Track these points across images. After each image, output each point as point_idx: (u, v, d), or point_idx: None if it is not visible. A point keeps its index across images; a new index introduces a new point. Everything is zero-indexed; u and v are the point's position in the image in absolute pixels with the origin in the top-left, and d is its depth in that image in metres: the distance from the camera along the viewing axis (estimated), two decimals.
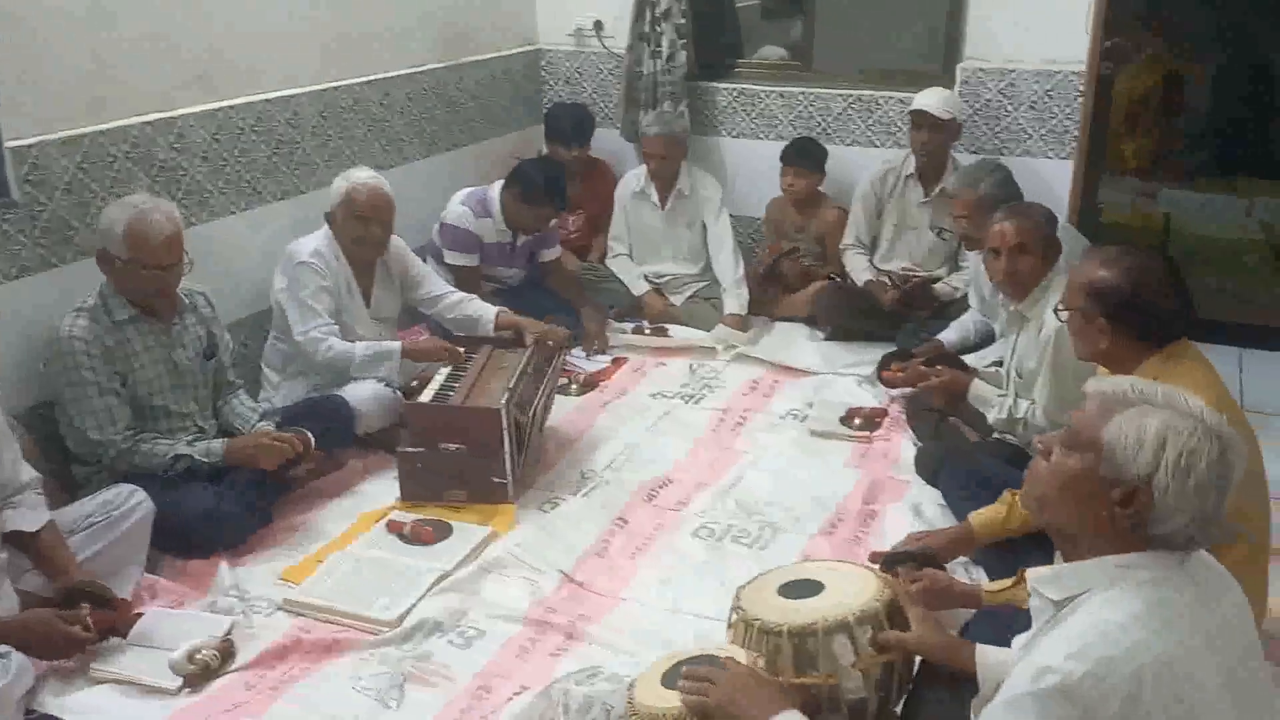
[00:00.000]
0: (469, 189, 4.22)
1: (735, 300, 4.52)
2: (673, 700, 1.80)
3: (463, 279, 4.07)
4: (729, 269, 4.56)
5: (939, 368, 3.27)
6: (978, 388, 3.13)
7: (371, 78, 4.20)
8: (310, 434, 3.05)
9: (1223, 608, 1.41)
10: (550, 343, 3.57)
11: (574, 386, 4.01)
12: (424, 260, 4.03)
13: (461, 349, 3.48)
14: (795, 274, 4.65)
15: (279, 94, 3.75)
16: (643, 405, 3.88)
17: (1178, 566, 1.38)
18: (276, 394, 3.46)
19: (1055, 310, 2.47)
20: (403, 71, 4.37)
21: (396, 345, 3.43)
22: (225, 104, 3.53)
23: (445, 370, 3.37)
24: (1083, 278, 2.30)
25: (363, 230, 3.40)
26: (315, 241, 3.41)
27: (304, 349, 3.34)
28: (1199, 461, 1.34)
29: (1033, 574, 1.51)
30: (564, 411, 3.79)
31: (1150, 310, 2.21)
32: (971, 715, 1.68)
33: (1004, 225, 2.99)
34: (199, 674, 2.38)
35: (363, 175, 3.44)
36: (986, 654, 1.82)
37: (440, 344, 3.50)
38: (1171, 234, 6.19)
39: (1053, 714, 1.30)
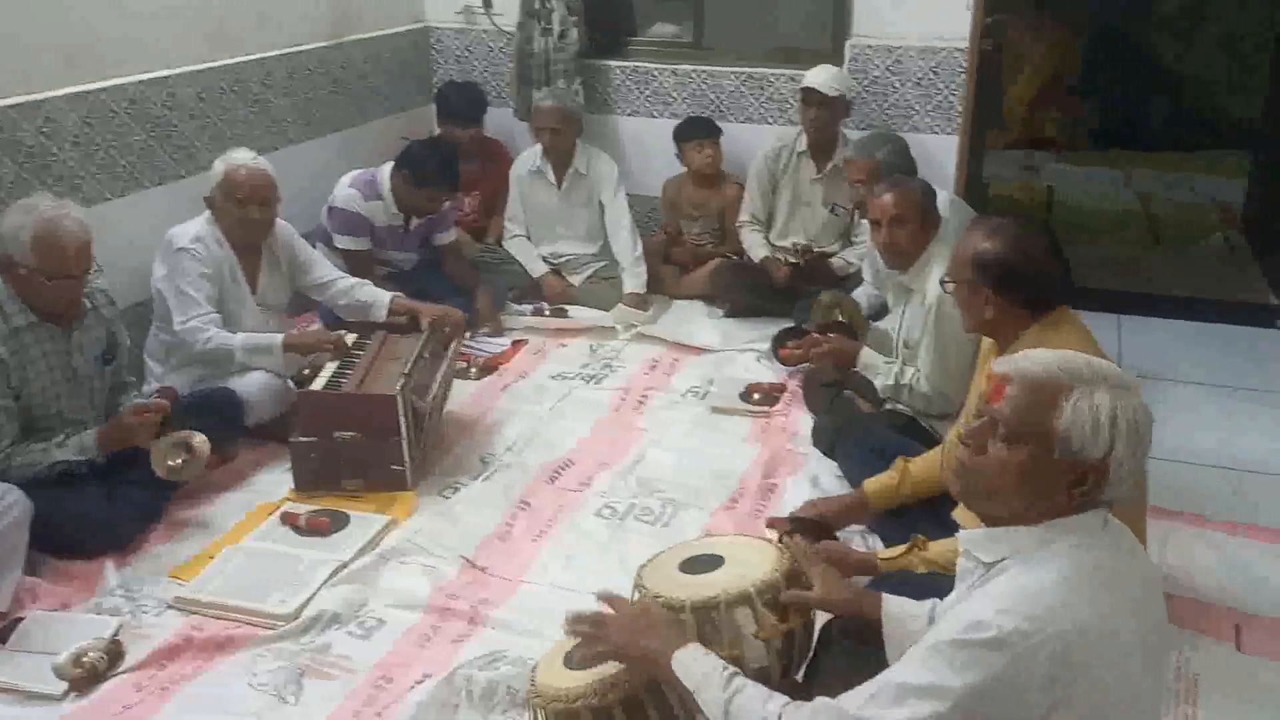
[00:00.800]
0: (357, 171, 4.14)
1: (634, 279, 4.53)
2: (575, 680, 1.80)
3: (354, 264, 3.99)
4: (627, 248, 4.57)
5: (831, 336, 3.33)
6: (867, 356, 3.19)
7: (252, 57, 4.08)
8: (201, 434, 2.95)
9: (1142, 571, 1.46)
10: (446, 327, 3.53)
11: (473, 370, 3.98)
12: (314, 245, 3.94)
13: (352, 335, 3.42)
14: (687, 258, 4.69)
15: (154, 75, 3.62)
16: (543, 387, 3.87)
17: (1101, 528, 1.42)
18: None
19: (941, 282, 2.53)
20: (285, 51, 4.26)
21: (278, 338, 3.32)
22: (96, 86, 3.40)
23: (339, 356, 3.30)
24: (968, 250, 2.36)
25: (243, 213, 3.30)
26: (195, 227, 3.30)
27: (183, 339, 3.24)
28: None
29: (965, 536, 1.54)
30: (463, 396, 3.75)
31: (1033, 279, 2.28)
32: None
33: (884, 197, 3.07)
34: (85, 677, 2.30)
35: (242, 156, 3.34)
36: (890, 602, 1.86)
37: (324, 335, 3.41)
38: (1054, 206, 6.41)
39: (979, 662, 1.32)
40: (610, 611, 1.79)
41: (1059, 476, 1.40)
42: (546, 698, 1.83)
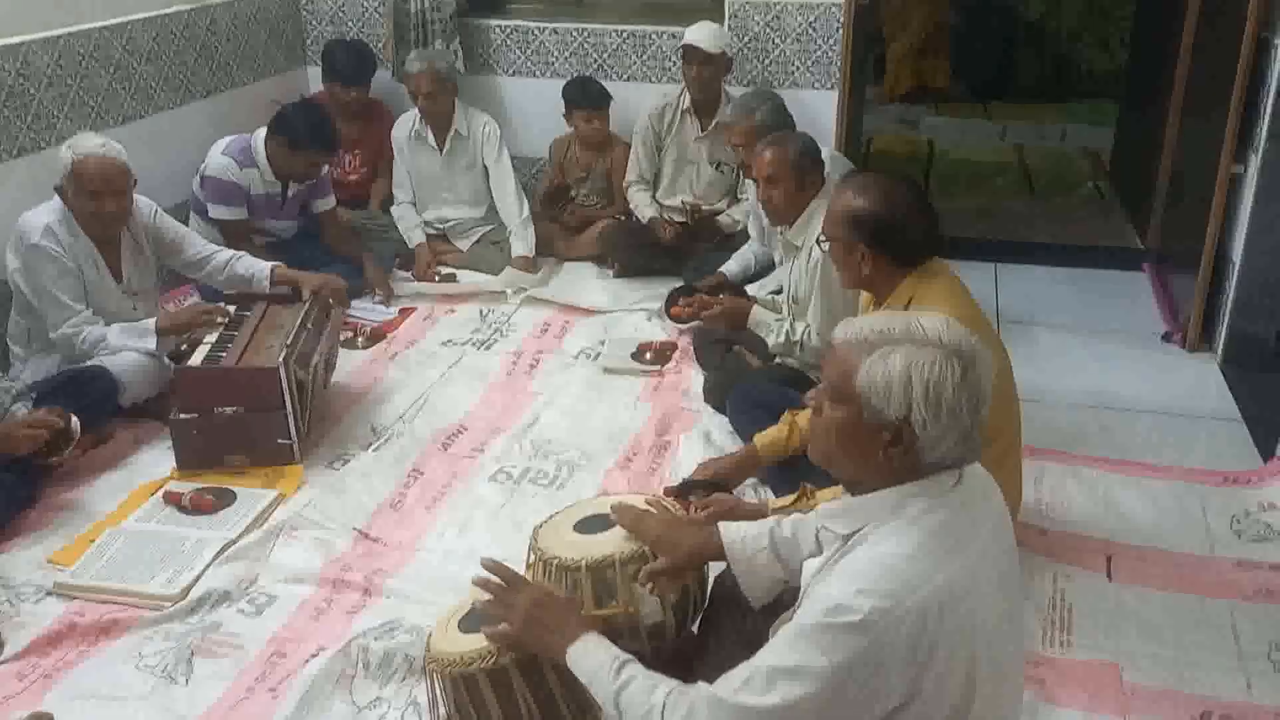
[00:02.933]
0: (230, 138, 4.00)
1: (522, 242, 4.50)
2: (469, 643, 1.81)
3: (230, 234, 3.88)
4: (513, 211, 4.52)
5: (721, 297, 3.36)
6: (757, 314, 3.24)
7: (112, 22, 3.89)
8: (71, 415, 2.85)
9: (991, 516, 1.51)
10: (329, 295, 3.46)
11: (360, 339, 3.92)
12: (187, 216, 3.82)
13: (231, 307, 3.33)
14: (576, 219, 4.69)
15: (4, 42, 3.43)
16: (433, 354, 3.84)
17: (952, 489, 1.46)
18: (25, 369, 3.22)
19: (818, 241, 2.58)
20: (147, 14, 4.07)
21: (151, 324, 3.20)
22: None
23: (216, 329, 3.21)
24: (840, 208, 2.40)
25: (96, 205, 3.13)
26: (47, 216, 3.13)
27: (60, 347, 3.14)
28: (946, 387, 1.39)
29: (822, 510, 1.59)
30: (351, 365, 3.71)
31: (904, 233, 2.33)
32: (770, 636, 1.74)
33: (761, 155, 3.11)
34: None
35: (89, 145, 3.13)
36: (729, 532, 1.90)
37: (197, 310, 3.30)
38: (935, 158, 6.57)
39: (843, 646, 1.36)
40: (515, 590, 1.79)
41: (872, 437, 1.44)
42: (442, 663, 1.83)
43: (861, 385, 1.43)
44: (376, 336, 3.96)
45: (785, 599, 1.93)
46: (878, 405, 1.42)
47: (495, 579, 1.81)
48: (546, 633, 1.71)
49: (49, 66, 3.59)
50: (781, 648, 1.43)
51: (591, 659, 1.63)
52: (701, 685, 1.51)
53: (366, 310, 4.18)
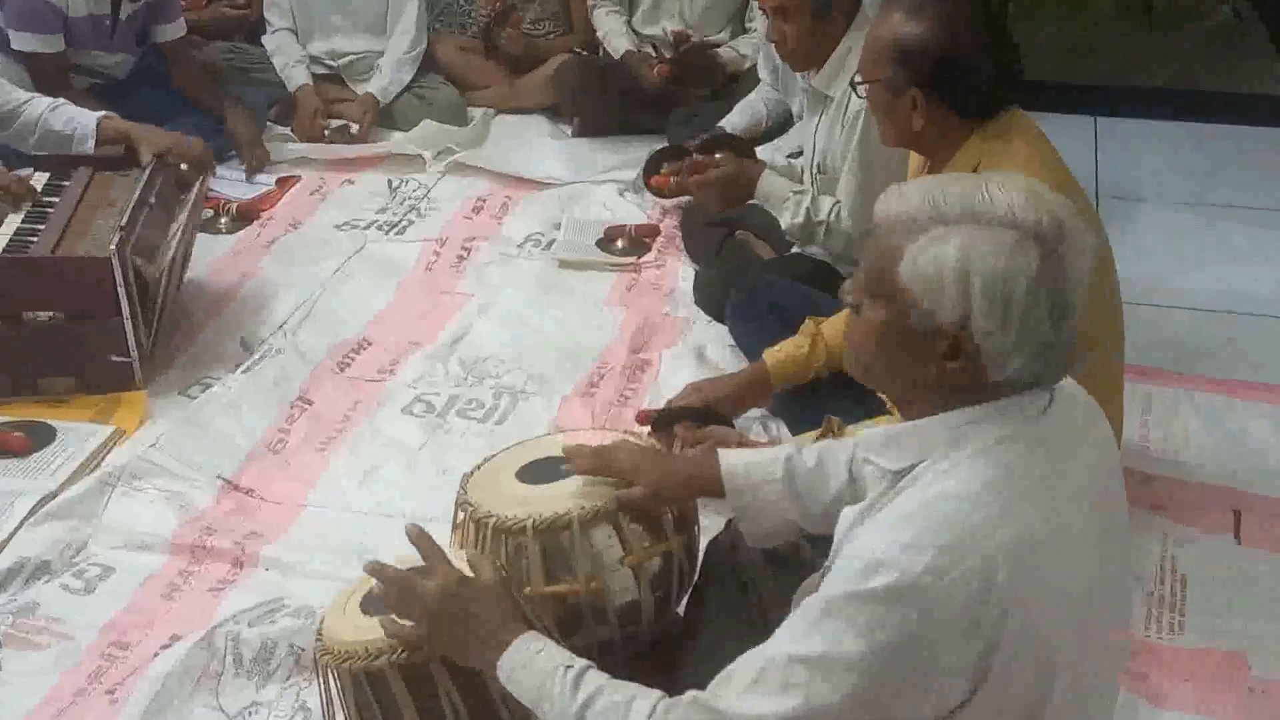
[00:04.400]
0: None
1: (383, 79, 4.51)
2: (377, 630, 1.82)
3: (42, 73, 3.84)
4: (401, 43, 4.56)
5: (720, 158, 3.33)
6: (768, 183, 3.20)
7: None
8: None
9: (1091, 453, 1.50)
10: (180, 160, 3.42)
11: (224, 221, 3.91)
12: None
13: (42, 176, 3.29)
14: (521, 51, 4.63)
15: None
16: (325, 241, 3.83)
17: (1037, 415, 1.45)
18: None
19: (852, 84, 2.55)
20: None
21: None
22: None
23: (21, 207, 3.17)
24: (884, 38, 2.36)
25: None
26: None
27: None
28: (1016, 284, 1.36)
29: (865, 439, 1.58)
30: (213, 256, 3.69)
31: (971, 71, 2.30)
32: (792, 608, 1.75)
33: None
34: None
35: None
36: (731, 460, 1.91)
37: None
38: None
39: (884, 621, 1.35)
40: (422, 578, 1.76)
41: (922, 347, 1.43)
42: (339, 655, 1.84)
43: (906, 279, 1.41)
44: (246, 216, 3.94)
45: (805, 556, 1.96)
46: (927, 306, 1.40)
47: (391, 566, 1.80)
48: (464, 638, 1.70)
49: None
50: (802, 628, 1.43)
51: (533, 672, 1.62)
52: (693, 695, 1.50)
53: (232, 180, 4.15)
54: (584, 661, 1.61)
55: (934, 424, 1.47)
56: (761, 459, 1.90)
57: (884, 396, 1.59)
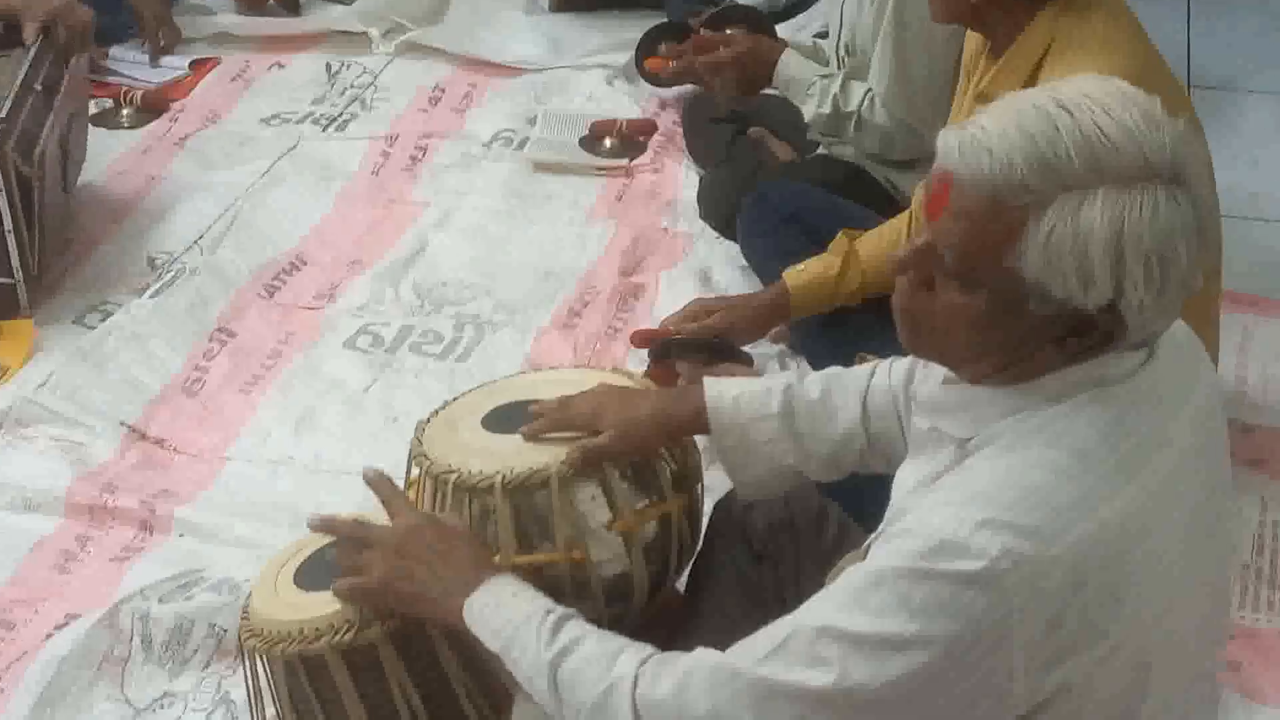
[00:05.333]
0: None
1: None
2: (313, 607, 1.83)
3: None
4: None
5: (732, 34, 3.30)
6: (790, 66, 3.18)
7: None
8: None
9: (1194, 403, 1.50)
10: (70, 35, 3.40)
11: (126, 113, 3.92)
12: None
13: None
14: None
15: None
16: (250, 138, 3.85)
17: (1139, 366, 1.44)
18: None
19: None
20: None
21: None
22: None
23: None
24: None
25: None
26: None
27: None
28: (1177, 248, 1.34)
29: (925, 399, 1.58)
30: (113, 156, 3.71)
31: None
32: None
33: None
34: None
35: None
36: (715, 387, 1.92)
37: None
38: None
39: (945, 604, 1.34)
40: (381, 528, 1.80)
41: (1043, 329, 1.41)
42: (269, 638, 1.85)
43: (1029, 269, 1.36)
44: (152, 108, 3.95)
45: (833, 520, 1.98)
46: (1062, 296, 1.35)
47: (344, 519, 1.81)
48: (427, 581, 1.72)
49: None
50: (841, 598, 1.42)
51: (507, 613, 1.64)
52: (701, 650, 1.52)
53: (134, 63, 4.14)
54: (567, 610, 1.64)
55: (1024, 389, 1.45)
56: (754, 389, 1.91)
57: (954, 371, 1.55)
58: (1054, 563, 1.33)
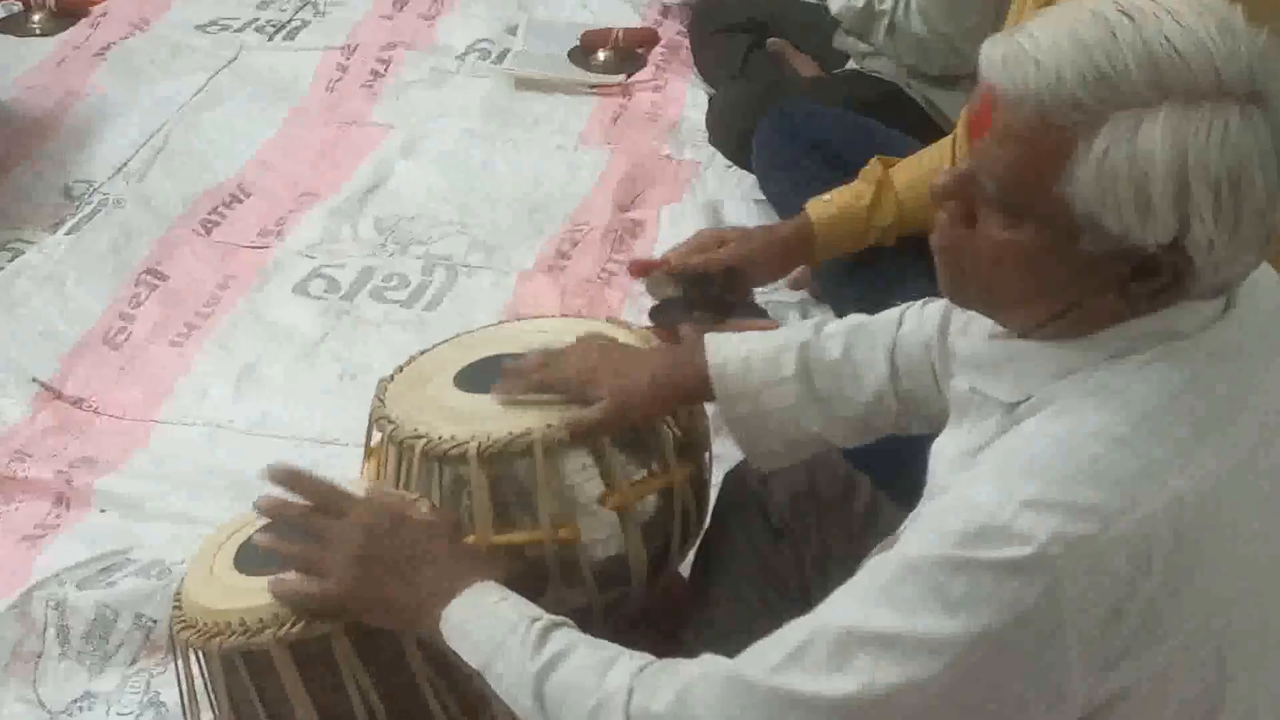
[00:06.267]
0: None
1: None
2: (259, 594, 1.82)
3: None
4: None
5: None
6: None
7: None
8: None
9: None
10: None
11: (38, 18, 3.96)
12: None
13: None
14: None
15: None
16: (182, 48, 3.86)
17: (1217, 316, 1.43)
18: None
19: None
20: None
21: None
22: None
23: None
24: None
25: None
26: None
27: None
28: (1252, 172, 1.32)
29: (967, 354, 1.57)
30: (23, 69, 3.74)
31: None
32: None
33: None
34: None
35: None
36: (720, 346, 1.93)
37: None
38: None
39: (989, 595, 1.33)
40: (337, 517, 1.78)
41: (1099, 271, 1.39)
42: (206, 630, 1.84)
43: (1082, 197, 1.35)
44: (69, 12, 3.97)
45: (864, 493, 1.97)
46: (1119, 231, 1.34)
47: (296, 499, 1.80)
48: (397, 590, 1.71)
49: None
50: (868, 593, 1.41)
51: (490, 623, 1.64)
52: (706, 659, 1.51)
53: None
54: (559, 617, 1.63)
55: (1081, 344, 1.44)
56: (765, 349, 1.91)
57: (999, 322, 1.53)
58: (1114, 545, 1.32)
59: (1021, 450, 1.40)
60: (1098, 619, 1.33)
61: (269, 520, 1.88)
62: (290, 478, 1.81)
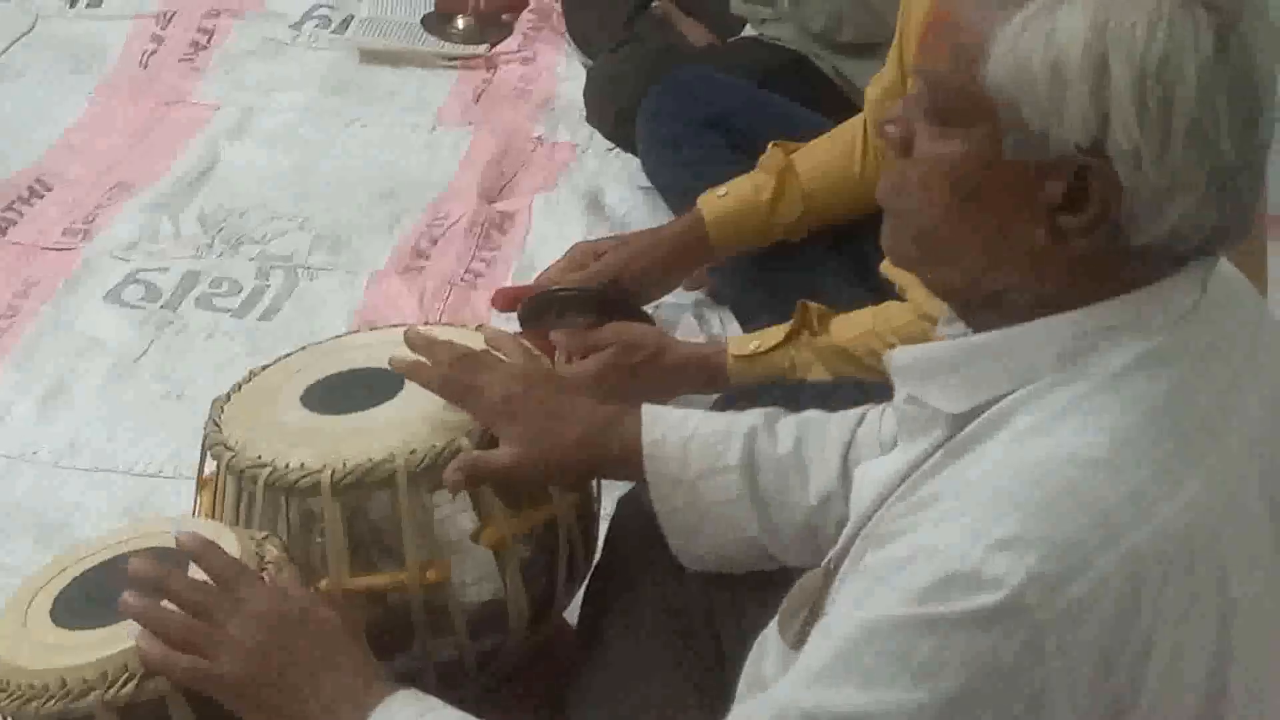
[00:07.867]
0: None
1: None
2: (81, 650, 1.80)
3: None
4: None
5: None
6: None
7: None
8: None
9: (1266, 369, 1.50)
10: None
11: None
12: None
13: None
14: None
15: None
16: None
17: (1187, 312, 1.43)
18: None
19: None
20: None
21: None
22: None
23: None
24: None
25: None
26: None
27: None
28: (1183, 70, 1.32)
29: (900, 360, 1.56)
30: None
31: None
32: (777, 631, 1.74)
33: None
34: None
35: None
36: (656, 421, 1.92)
37: None
38: None
39: (961, 654, 1.32)
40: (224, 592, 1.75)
41: (1026, 189, 1.40)
42: (19, 694, 1.81)
43: (999, 81, 1.37)
44: None
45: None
46: (1037, 123, 1.36)
47: (153, 569, 1.76)
48: (302, 694, 1.69)
49: None
50: (830, 666, 1.40)
51: None
52: None
53: None
54: None
55: (1030, 334, 1.44)
56: (708, 431, 1.90)
57: (937, 295, 1.53)
58: (1100, 585, 1.32)
59: (985, 482, 1.38)
60: (1087, 672, 1.33)
61: (91, 565, 1.88)
62: (200, 548, 1.77)
